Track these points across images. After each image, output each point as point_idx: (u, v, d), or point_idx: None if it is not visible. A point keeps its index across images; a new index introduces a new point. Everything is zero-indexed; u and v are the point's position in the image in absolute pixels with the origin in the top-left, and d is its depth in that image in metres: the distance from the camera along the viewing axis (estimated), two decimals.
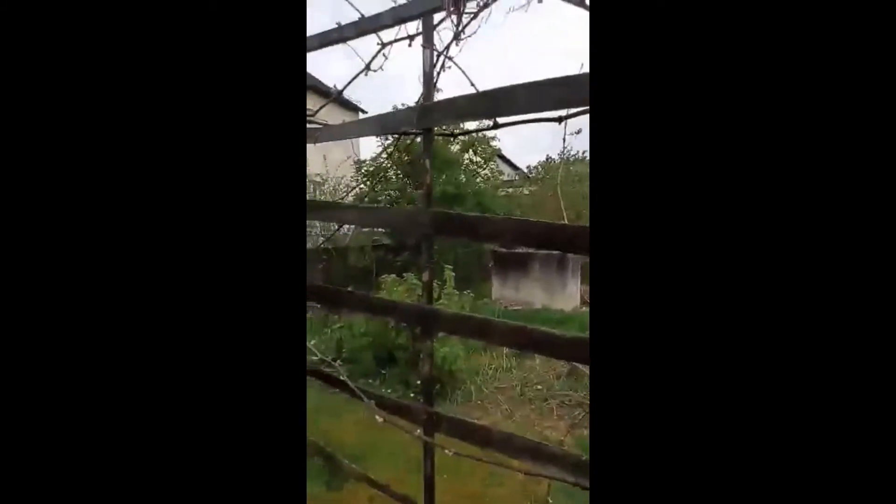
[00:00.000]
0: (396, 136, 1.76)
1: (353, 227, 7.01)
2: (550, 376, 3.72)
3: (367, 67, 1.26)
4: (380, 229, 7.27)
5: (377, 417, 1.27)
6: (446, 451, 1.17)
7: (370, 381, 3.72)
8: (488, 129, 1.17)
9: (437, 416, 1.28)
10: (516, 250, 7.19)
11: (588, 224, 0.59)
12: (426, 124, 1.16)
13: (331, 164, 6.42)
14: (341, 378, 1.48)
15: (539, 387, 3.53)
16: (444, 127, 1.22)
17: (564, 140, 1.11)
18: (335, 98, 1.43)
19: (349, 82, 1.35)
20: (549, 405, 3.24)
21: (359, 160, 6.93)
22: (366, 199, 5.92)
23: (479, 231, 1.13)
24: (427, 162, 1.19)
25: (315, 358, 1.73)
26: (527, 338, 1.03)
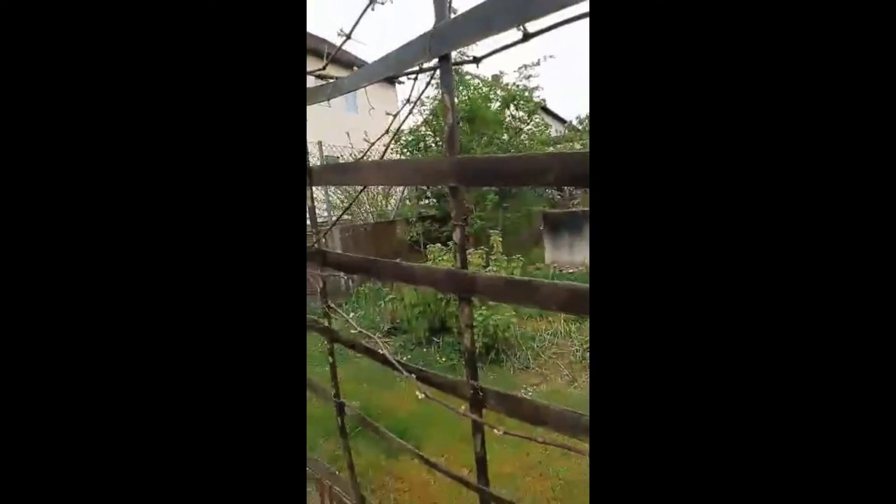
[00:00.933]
0: (432, 99, 1.56)
1: (399, 200, 6.99)
2: None
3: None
4: (424, 200, 7.17)
5: (417, 393, 1.17)
6: (495, 430, 1.03)
7: (425, 349, 3.71)
8: (519, 42, 0.93)
9: (483, 390, 1.14)
10: (569, 209, 6.75)
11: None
12: (443, 50, 0.96)
13: (372, 139, 6.32)
14: (380, 351, 1.39)
15: None
16: (466, 55, 0.99)
17: None
18: (346, 40, 1.27)
19: (357, 20, 1.18)
20: None
21: (398, 130, 6.76)
22: None
23: (511, 172, 0.93)
24: (447, 98, 0.99)
25: (354, 332, 1.67)
26: (576, 296, 0.84)
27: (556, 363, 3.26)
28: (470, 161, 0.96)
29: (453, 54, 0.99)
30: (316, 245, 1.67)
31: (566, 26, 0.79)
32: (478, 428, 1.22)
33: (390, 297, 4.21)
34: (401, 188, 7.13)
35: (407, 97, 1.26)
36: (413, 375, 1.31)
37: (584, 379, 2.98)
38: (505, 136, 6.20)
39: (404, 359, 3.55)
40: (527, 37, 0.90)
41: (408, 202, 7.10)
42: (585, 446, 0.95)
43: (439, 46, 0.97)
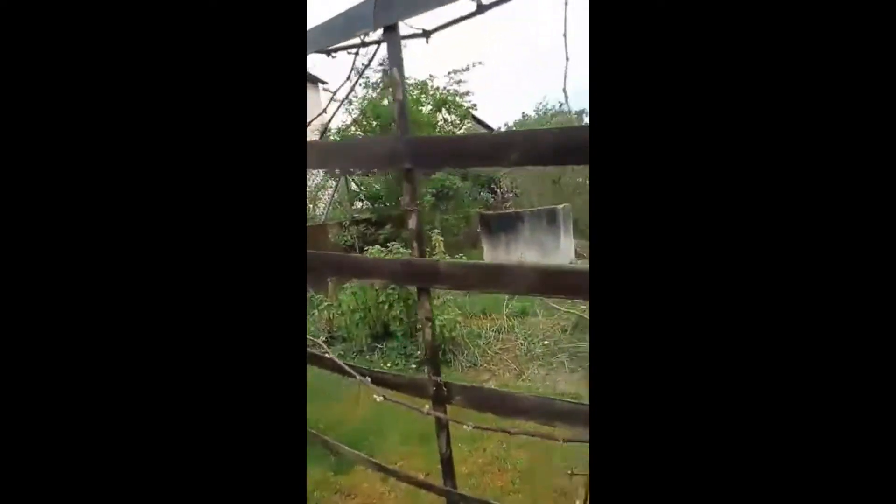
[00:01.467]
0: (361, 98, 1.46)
1: (328, 203, 6.65)
2: (556, 330, 3.60)
3: None
4: (358, 204, 6.93)
5: (375, 396, 1.07)
6: (465, 426, 0.97)
7: (368, 357, 3.55)
8: (472, 15, 0.89)
9: (447, 386, 1.08)
10: (504, 211, 6.98)
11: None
12: (387, 20, 0.88)
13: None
14: (328, 356, 1.26)
15: (546, 343, 3.41)
16: (410, 26, 0.93)
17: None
18: None
19: None
20: (559, 359, 3.13)
21: (326, 127, 6.47)
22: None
23: (473, 153, 0.89)
24: (396, 72, 0.92)
25: None
26: (546, 276, 0.81)
27: (503, 358, 3.30)
28: (428, 141, 0.91)
29: (400, 26, 0.92)
30: None
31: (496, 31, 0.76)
32: (442, 426, 1.15)
33: (326, 303, 3.97)
34: (330, 190, 6.82)
35: (347, 76, 1.15)
36: (368, 378, 1.20)
37: (531, 371, 3.05)
38: None
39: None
40: (481, 8, 0.86)
41: (339, 205, 6.81)
42: (559, 432, 0.93)
43: (386, 14, 0.89)
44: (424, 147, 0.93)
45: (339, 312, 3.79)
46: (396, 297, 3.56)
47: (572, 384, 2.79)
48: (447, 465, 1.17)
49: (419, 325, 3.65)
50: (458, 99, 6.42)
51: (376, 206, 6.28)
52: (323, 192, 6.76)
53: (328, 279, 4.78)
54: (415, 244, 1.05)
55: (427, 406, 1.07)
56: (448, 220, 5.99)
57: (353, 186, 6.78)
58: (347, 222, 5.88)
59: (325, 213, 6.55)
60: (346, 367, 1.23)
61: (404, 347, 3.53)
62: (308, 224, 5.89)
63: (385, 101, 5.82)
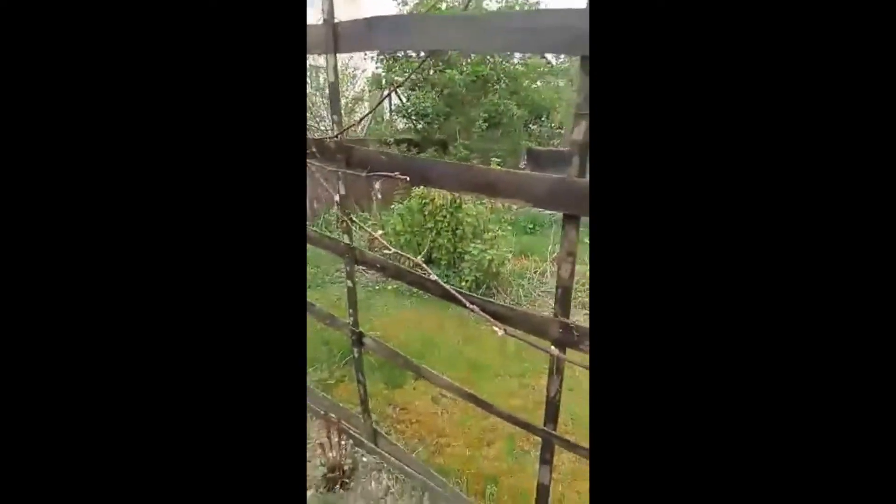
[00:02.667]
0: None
1: (367, 117, 6.22)
2: None
3: None
4: (400, 125, 6.52)
5: (496, 329, 0.97)
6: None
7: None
8: None
9: (576, 328, 0.97)
10: (554, 148, 6.52)
11: None
12: None
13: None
14: (432, 278, 1.16)
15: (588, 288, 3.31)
16: None
17: None
18: None
19: None
20: None
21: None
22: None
23: None
24: None
25: (388, 253, 1.41)
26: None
27: (546, 302, 3.24)
28: None
29: None
30: (333, 140, 1.32)
31: None
32: (559, 369, 1.07)
33: (370, 223, 3.89)
34: (366, 102, 6.38)
35: None
36: (476, 308, 1.10)
37: (575, 318, 2.99)
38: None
39: (390, 287, 3.35)
40: None
41: (378, 119, 6.41)
42: None
43: None
44: None
45: (383, 233, 3.72)
46: (446, 224, 3.44)
47: None
48: (551, 406, 1.11)
49: (465, 256, 3.59)
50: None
51: (420, 125, 5.90)
52: (360, 104, 6.33)
53: (376, 193, 4.62)
54: (575, 161, 0.87)
55: (552, 347, 0.98)
56: (496, 151, 5.61)
57: (398, 101, 6.32)
58: (391, 140, 5.57)
59: (364, 127, 6.20)
60: (456, 294, 1.13)
61: (447, 277, 3.49)
62: (347, 138, 5.58)
63: None
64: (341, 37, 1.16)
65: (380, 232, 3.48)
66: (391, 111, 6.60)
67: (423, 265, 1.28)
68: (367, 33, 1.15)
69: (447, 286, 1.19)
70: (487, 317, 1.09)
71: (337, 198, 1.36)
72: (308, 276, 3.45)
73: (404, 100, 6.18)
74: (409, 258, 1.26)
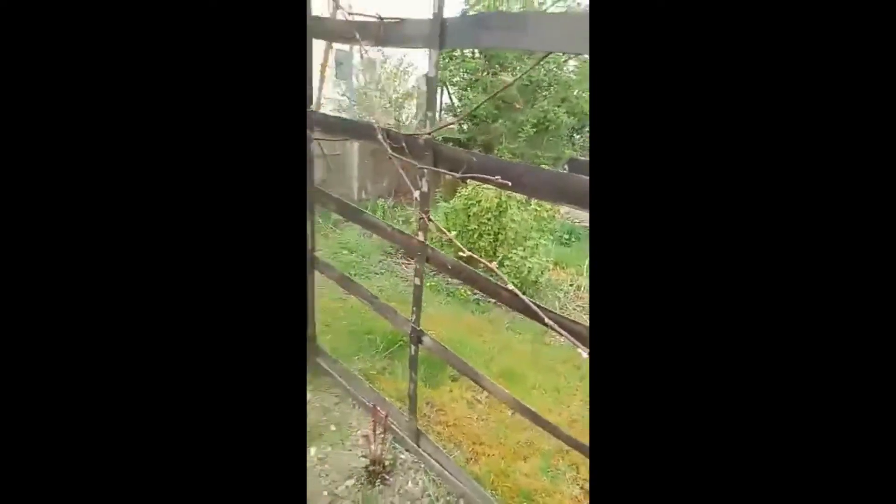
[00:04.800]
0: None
1: (419, 117, 6.26)
2: None
3: None
4: (451, 119, 6.53)
5: (581, 352, 0.94)
6: None
7: (446, 280, 3.52)
8: None
9: None
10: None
11: None
12: None
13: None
14: (510, 289, 1.14)
15: None
16: None
17: None
18: None
19: None
20: None
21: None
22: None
23: None
24: None
25: (463, 256, 1.40)
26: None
27: (582, 318, 3.17)
28: None
29: None
30: (424, 139, 1.32)
31: None
32: None
33: (415, 220, 3.90)
34: (415, 99, 6.40)
35: None
36: (556, 325, 1.08)
37: None
38: None
39: (428, 283, 3.35)
40: None
41: (428, 115, 6.42)
42: None
43: None
44: None
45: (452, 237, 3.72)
46: (489, 228, 3.41)
47: None
48: None
49: (505, 262, 3.55)
50: None
51: (467, 126, 5.88)
52: (409, 100, 6.36)
53: (420, 189, 4.63)
54: None
55: None
56: (541, 157, 5.53)
57: (449, 100, 6.32)
58: (439, 138, 5.57)
59: (409, 122, 6.22)
60: (534, 306, 1.11)
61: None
62: (394, 131, 5.61)
63: None
64: (448, 32, 1.16)
65: (454, 233, 3.46)
66: (441, 110, 6.61)
67: (498, 272, 1.26)
68: (473, 30, 1.14)
69: (525, 297, 1.17)
70: (567, 335, 1.07)
71: (417, 194, 1.35)
72: (352, 266, 3.50)
73: (455, 100, 6.18)
74: (483, 262, 1.24)
